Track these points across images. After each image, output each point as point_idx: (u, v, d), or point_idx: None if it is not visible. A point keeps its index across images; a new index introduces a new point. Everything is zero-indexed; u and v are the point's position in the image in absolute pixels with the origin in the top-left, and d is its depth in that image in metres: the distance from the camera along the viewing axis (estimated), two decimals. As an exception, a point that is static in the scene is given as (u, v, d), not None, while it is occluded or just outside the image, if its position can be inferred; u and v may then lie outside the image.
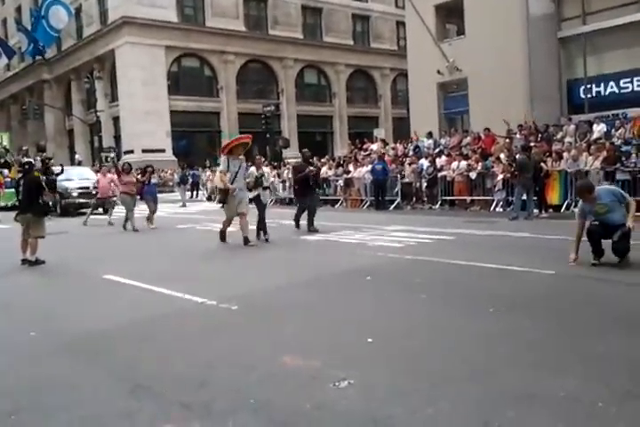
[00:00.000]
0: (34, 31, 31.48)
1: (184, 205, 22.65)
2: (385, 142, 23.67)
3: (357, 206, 18.76)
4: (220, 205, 10.51)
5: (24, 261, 8.99)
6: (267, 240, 10.68)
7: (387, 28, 48.13)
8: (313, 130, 44.96)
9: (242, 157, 10.66)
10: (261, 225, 10.88)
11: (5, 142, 32.84)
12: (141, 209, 15.54)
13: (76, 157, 37.14)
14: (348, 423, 3.10)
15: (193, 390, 3.63)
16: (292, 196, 18.21)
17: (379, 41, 47.86)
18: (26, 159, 24.87)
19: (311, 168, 12.99)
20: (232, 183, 10.11)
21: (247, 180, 10.62)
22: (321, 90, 46.33)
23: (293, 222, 12.65)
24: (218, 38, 39.25)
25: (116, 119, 39.68)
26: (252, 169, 10.95)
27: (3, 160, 24.66)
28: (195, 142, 40.45)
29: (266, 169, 11.72)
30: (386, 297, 6.07)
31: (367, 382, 3.67)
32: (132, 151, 36.42)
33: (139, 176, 15.13)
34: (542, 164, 14.15)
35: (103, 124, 37.42)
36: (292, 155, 32.76)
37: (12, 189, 21.33)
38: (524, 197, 13.38)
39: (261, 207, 10.87)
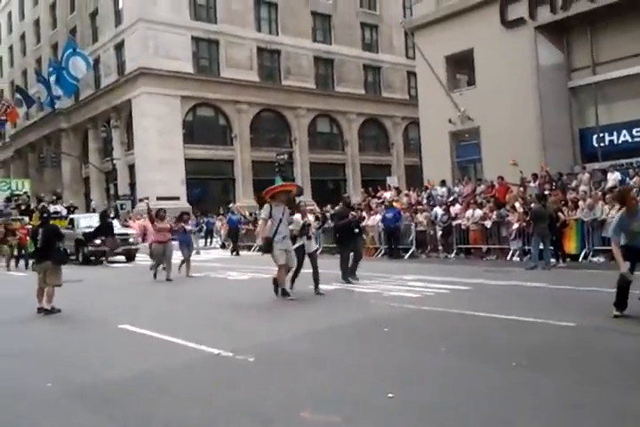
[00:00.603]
0: (56, 81, 32.44)
1: (198, 253, 22.69)
2: (398, 190, 23.75)
3: (372, 255, 18.65)
4: (264, 253, 9.89)
5: (40, 310, 8.97)
6: (319, 293, 10.10)
7: (398, 78, 49.07)
8: (326, 177, 45.32)
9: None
10: (316, 276, 10.19)
11: (27, 189, 33.37)
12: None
13: (92, 204, 37.54)
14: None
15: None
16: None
17: (390, 90, 48.73)
18: (51, 207, 25.27)
19: (354, 213, 12.53)
20: (276, 231, 9.53)
21: (292, 228, 10.07)
22: (333, 138, 46.95)
23: (341, 273, 11.59)
24: (232, 88, 40.15)
25: (131, 167, 40.25)
26: (297, 216, 10.31)
27: (24, 207, 24.87)
28: (209, 190, 40.83)
29: (310, 217, 10.93)
30: (404, 349, 5.95)
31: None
32: (147, 198, 36.76)
33: (172, 223, 14.68)
34: (559, 212, 14.09)
35: (119, 171, 37.96)
36: (307, 202, 32.89)
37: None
38: (541, 246, 13.23)
39: (302, 257, 10.27)
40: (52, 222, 9.88)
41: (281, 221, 9.59)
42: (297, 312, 8.65)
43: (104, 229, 19.34)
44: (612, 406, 4.01)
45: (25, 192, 31.56)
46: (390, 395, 4.39)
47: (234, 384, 4.89)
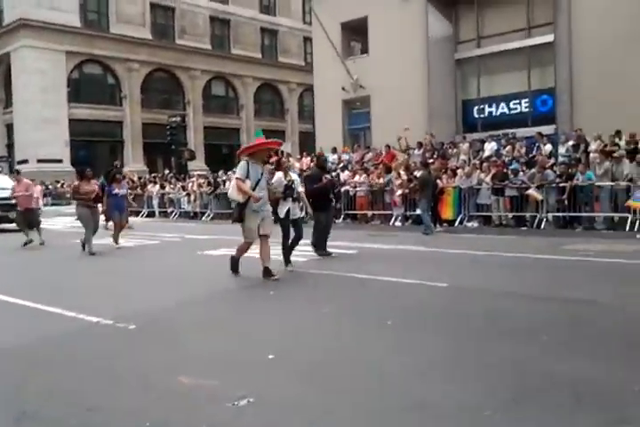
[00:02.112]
0: None
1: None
2: (289, 156, 23.81)
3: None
4: (234, 221, 8.23)
5: None
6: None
7: (294, 43, 48.74)
8: (220, 142, 44.63)
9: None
10: (293, 246, 8.94)
11: None
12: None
13: None
14: (243, 442, 3.11)
15: (84, 415, 3.52)
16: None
17: (286, 55, 48.37)
18: None
19: (328, 176, 11.25)
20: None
21: (275, 189, 8.52)
22: (229, 102, 46.15)
23: (312, 247, 10.28)
24: (122, 45, 38.30)
25: (9, 126, 37.69)
26: (279, 175, 8.80)
27: None
28: (95, 152, 39.06)
29: (294, 175, 9.17)
30: (287, 311, 6.12)
31: (267, 398, 3.68)
32: (26, 161, 34.64)
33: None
34: (438, 180, 14.79)
35: (-5, 131, 35.47)
36: (198, 167, 32.36)
37: None
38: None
39: (287, 225, 8.83)
40: None
41: (259, 181, 7.97)
42: (182, 279, 8.62)
43: None
44: (481, 361, 4.34)
45: None
46: (271, 356, 4.53)
47: (113, 353, 4.85)
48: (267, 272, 7.97)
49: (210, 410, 3.54)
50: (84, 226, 11.62)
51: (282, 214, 8.69)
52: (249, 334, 5.29)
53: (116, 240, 12.47)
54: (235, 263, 8.35)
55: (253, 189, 7.83)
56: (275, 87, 48.34)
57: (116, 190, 12.63)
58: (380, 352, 4.61)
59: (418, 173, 15.03)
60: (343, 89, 23.81)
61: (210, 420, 3.38)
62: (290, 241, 8.88)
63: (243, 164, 8.07)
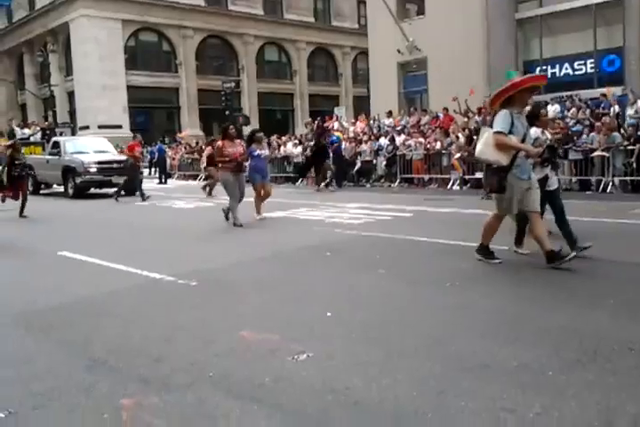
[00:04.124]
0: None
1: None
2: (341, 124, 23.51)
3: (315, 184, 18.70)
4: (490, 193, 6.61)
5: None
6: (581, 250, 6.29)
7: (347, 6, 47.75)
8: (274, 107, 44.60)
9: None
10: (567, 229, 6.54)
11: None
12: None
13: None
14: (306, 395, 3.14)
15: (151, 365, 3.64)
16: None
17: (340, 19, 47.50)
18: (18, 131, 22.77)
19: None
20: (516, 156, 5.95)
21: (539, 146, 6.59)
22: (282, 67, 45.87)
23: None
24: (176, 12, 38.37)
25: (70, 94, 38.59)
26: (535, 131, 6.60)
27: None
28: (152, 119, 39.71)
29: (547, 134, 6.93)
30: (345, 272, 6.14)
31: (326, 354, 3.72)
32: (87, 127, 35.55)
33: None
34: None
35: (57, 98, 36.34)
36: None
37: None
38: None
39: (551, 196, 6.60)
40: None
41: (525, 136, 6.06)
42: (241, 239, 8.75)
43: None
44: (545, 323, 4.26)
45: None
46: (329, 314, 4.57)
47: (176, 307, 4.98)
48: (554, 256, 5.90)
49: (271, 363, 3.60)
50: (228, 194, 10.21)
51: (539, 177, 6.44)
52: (307, 293, 5.33)
53: (258, 210, 10.78)
54: (485, 249, 6.43)
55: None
56: (328, 51, 47.68)
57: (258, 151, 10.77)
58: (439, 314, 4.57)
59: (476, 137, 14.62)
60: (399, 52, 23.28)
61: (271, 373, 3.43)
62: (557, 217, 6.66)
63: (504, 114, 6.01)
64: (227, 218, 10.29)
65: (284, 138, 22.65)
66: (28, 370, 3.61)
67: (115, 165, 16.71)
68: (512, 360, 3.50)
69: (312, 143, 18.09)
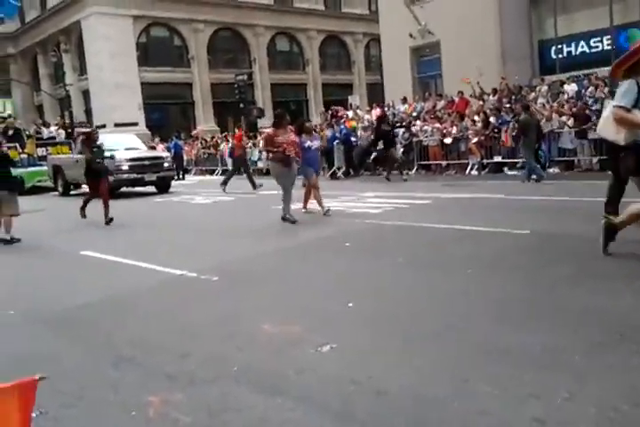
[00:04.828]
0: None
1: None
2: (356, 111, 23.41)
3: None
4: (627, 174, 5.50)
5: None
6: None
7: (357, -8, 47.35)
8: (287, 98, 44.46)
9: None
10: None
11: (10, 111, 27.77)
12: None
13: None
14: (330, 386, 3.15)
15: (175, 360, 3.68)
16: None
17: (350, 5, 47.07)
18: (45, 131, 22.22)
19: None
20: None
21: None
22: (294, 57, 45.66)
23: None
24: (186, 6, 38.29)
25: (85, 93, 38.82)
26: None
27: (12, 132, 20.50)
28: (168, 115, 39.84)
29: None
30: (364, 262, 6.13)
31: (348, 345, 3.73)
32: (104, 126, 35.73)
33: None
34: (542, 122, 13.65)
35: (73, 98, 36.60)
36: (268, 124, 32.43)
37: (32, 168, 19.40)
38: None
39: None
40: (4, 151, 9.53)
41: None
42: (259, 232, 8.76)
43: None
44: (567, 306, 4.22)
45: (9, 115, 25.85)
46: (350, 304, 4.57)
47: (198, 302, 5.02)
48: None
49: (294, 355, 3.62)
50: (281, 187, 9.42)
51: None
52: (327, 284, 5.34)
53: (305, 203, 10.25)
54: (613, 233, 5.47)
55: None
56: (340, 39, 47.32)
57: (309, 143, 9.94)
58: (461, 301, 4.55)
59: (492, 119, 14.51)
60: (411, 36, 23.03)
61: (295, 365, 3.45)
62: None
63: (628, 84, 5.23)
64: (284, 219, 9.24)
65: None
66: (56, 368, 3.66)
67: (147, 162, 16.02)
68: (536, 345, 3.48)
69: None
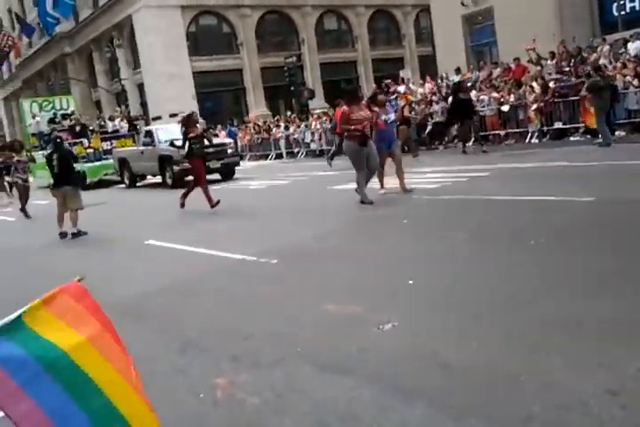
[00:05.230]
0: (53, 3, 31.08)
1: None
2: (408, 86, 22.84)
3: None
4: None
5: (62, 235, 9.08)
6: None
7: (403, -37, 46.19)
8: (338, 77, 44.08)
9: None
10: None
11: (73, 107, 28.15)
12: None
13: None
14: (394, 363, 3.13)
15: (240, 343, 3.73)
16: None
17: (397, -23, 46.07)
18: (109, 124, 22.78)
19: None
20: None
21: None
22: (342, 35, 45.13)
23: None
24: (232, -8, 38.44)
25: (140, 86, 39.64)
26: None
27: (79, 128, 21.15)
28: (221, 102, 40.25)
29: None
30: (424, 239, 6.04)
31: (410, 322, 3.69)
32: (159, 117, 36.48)
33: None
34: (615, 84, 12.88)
35: (128, 92, 37.48)
36: (319, 105, 32.33)
37: (98, 162, 19.99)
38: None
39: None
40: (67, 146, 9.83)
41: None
42: (314, 214, 8.73)
43: None
44: (632, 273, 4.07)
45: (73, 111, 26.59)
46: (411, 282, 4.51)
47: (259, 286, 5.07)
48: None
49: (357, 335, 3.61)
50: (355, 167, 8.79)
51: None
52: (387, 262, 5.29)
53: (381, 183, 9.45)
54: None
55: None
56: (388, 13, 46.41)
57: (383, 116, 9.11)
58: (524, 273, 4.43)
59: (552, 84, 13.94)
60: (462, 4, 22.35)
61: (358, 344, 3.44)
62: None
63: None
64: (363, 202, 8.57)
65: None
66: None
67: (211, 150, 15.07)
68: (606, 315, 3.35)
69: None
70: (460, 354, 3.12)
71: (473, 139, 15.51)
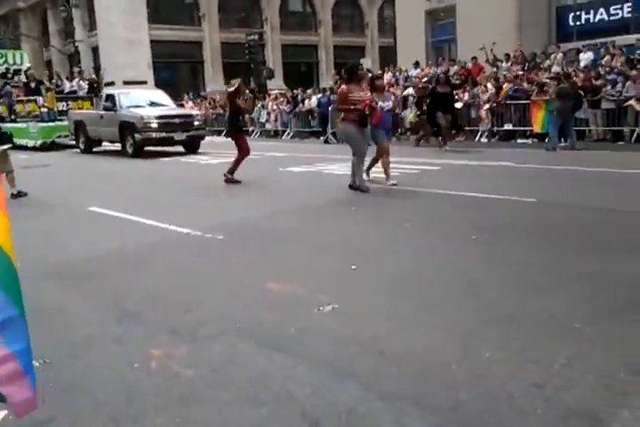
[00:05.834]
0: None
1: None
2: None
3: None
4: None
5: None
6: None
7: (374, -49, 46.05)
8: (298, 60, 43.80)
9: None
10: None
11: (28, 63, 26.56)
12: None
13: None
14: (332, 345, 3.18)
15: (179, 316, 3.71)
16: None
17: (365, -36, 45.90)
18: (67, 84, 21.56)
19: None
20: None
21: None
22: (306, 18, 44.76)
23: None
24: (198, -38, 37.50)
25: (95, 49, 38.35)
26: None
27: (34, 85, 20.21)
28: (177, 73, 39.39)
29: None
30: (369, 226, 6.13)
31: (351, 306, 3.75)
32: (112, 83, 35.40)
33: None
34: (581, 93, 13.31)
35: (82, 54, 36.18)
36: (277, 86, 32.07)
37: (52, 123, 18.98)
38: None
39: None
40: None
41: None
42: (264, 194, 8.75)
43: None
44: (575, 273, 4.23)
45: (29, 67, 24.80)
46: (353, 267, 4.58)
47: (203, 260, 5.04)
48: None
49: (297, 315, 3.65)
50: (353, 150, 8.41)
51: None
52: (332, 246, 5.35)
53: (387, 174, 8.95)
54: None
55: None
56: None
57: (381, 103, 8.68)
58: (466, 266, 4.55)
59: (505, 86, 14.24)
60: (426, -1, 22.56)
61: (297, 324, 3.48)
62: None
63: None
64: (353, 187, 8.32)
65: (308, 91, 22.30)
66: (61, 320, 3.71)
67: (177, 120, 15.07)
68: (541, 311, 3.49)
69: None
70: (398, 341, 3.20)
71: (454, 133, 14.83)
